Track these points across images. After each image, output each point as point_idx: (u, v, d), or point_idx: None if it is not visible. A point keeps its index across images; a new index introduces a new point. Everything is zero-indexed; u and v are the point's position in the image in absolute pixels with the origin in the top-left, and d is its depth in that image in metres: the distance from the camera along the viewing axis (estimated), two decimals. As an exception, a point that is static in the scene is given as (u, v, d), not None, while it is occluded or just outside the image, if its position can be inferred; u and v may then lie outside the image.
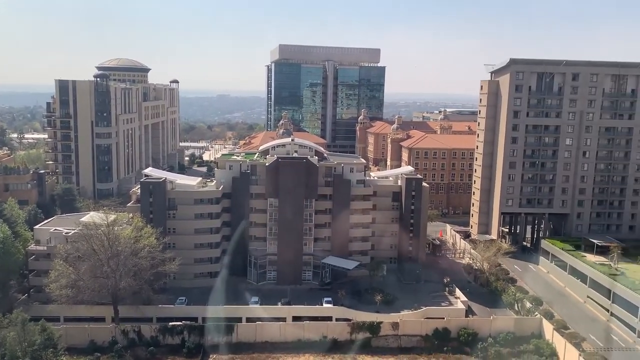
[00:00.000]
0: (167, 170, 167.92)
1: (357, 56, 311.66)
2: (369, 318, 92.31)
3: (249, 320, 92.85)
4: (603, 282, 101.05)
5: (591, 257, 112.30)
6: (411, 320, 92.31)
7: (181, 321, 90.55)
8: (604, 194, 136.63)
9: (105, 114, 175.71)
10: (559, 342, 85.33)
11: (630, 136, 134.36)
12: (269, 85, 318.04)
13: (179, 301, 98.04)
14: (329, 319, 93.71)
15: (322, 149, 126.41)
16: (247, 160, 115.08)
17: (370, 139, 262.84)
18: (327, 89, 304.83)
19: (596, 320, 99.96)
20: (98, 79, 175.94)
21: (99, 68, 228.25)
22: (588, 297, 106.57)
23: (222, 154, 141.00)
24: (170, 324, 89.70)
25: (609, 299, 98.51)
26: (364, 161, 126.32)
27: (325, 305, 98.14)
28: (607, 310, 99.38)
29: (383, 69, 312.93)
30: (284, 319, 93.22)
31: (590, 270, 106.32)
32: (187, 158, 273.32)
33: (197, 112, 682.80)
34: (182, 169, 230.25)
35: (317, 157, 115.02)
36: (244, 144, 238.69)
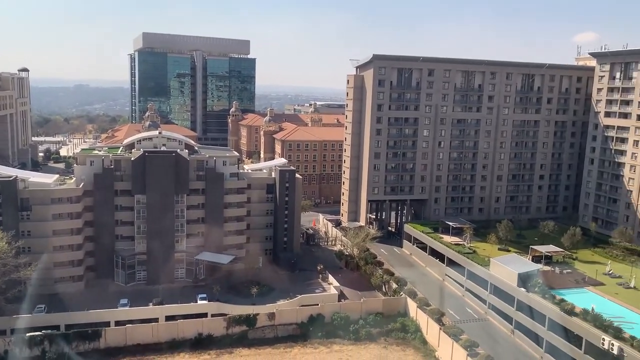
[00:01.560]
0: (19, 168, 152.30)
1: (227, 47, 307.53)
2: (245, 311, 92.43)
3: (118, 323, 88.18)
4: (458, 261, 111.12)
5: (447, 238, 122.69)
6: (287, 309, 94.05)
7: (40, 331, 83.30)
8: (457, 180, 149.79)
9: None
10: (422, 319, 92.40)
11: (478, 127, 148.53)
12: (132, 75, 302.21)
13: (37, 309, 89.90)
14: (205, 315, 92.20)
15: (192, 141, 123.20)
16: (111, 155, 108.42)
17: (243, 132, 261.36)
18: (196, 80, 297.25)
19: (453, 296, 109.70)
20: None
21: None
22: (446, 275, 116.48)
23: (82, 149, 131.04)
24: (28, 334, 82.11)
25: (464, 276, 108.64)
26: (237, 154, 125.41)
27: (200, 302, 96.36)
28: (462, 286, 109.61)
29: (253, 60, 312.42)
30: (156, 320, 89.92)
31: (447, 250, 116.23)
32: (41, 154, 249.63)
33: (51, 103, 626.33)
34: (35, 166, 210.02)
35: (187, 151, 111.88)
36: (107, 137, 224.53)
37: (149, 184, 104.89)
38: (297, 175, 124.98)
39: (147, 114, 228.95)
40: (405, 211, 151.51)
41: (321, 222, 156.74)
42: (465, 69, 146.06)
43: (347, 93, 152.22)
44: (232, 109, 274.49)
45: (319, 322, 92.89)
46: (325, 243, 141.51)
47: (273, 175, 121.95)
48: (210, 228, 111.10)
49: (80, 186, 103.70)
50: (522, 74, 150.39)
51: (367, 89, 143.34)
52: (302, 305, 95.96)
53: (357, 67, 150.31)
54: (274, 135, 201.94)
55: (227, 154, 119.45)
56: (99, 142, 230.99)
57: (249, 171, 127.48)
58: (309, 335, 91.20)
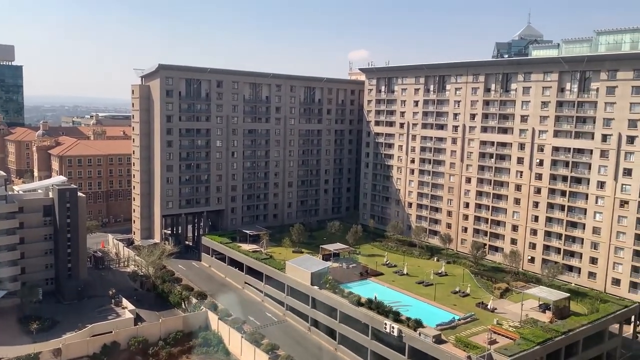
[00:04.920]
0: None
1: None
2: (24, 351, 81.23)
3: None
4: (256, 267, 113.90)
5: (245, 246, 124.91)
6: (75, 342, 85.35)
7: None
8: (252, 188, 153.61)
9: None
10: (224, 330, 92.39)
11: (268, 137, 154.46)
12: None
13: None
14: (-31, 365, 78.74)
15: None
16: None
17: (11, 148, 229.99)
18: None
19: (254, 303, 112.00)
20: None
21: None
22: (246, 283, 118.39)
23: None
24: None
25: (262, 281, 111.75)
26: (4, 173, 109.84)
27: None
28: (262, 292, 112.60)
29: (20, 68, 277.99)
30: None
31: (245, 258, 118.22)
32: None
33: None
34: None
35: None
36: None
37: None
38: (80, 194, 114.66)
39: None
40: (202, 223, 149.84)
41: (111, 243, 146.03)
42: (252, 81, 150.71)
43: (133, 104, 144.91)
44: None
45: (114, 351, 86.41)
46: (117, 265, 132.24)
47: (51, 196, 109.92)
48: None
49: None
50: (305, 86, 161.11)
51: (155, 100, 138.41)
52: (93, 336, 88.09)
53: (142, 77, 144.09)
54: (50, 151, 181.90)
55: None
56: None
57: (21, 192, 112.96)
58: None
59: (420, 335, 77.49)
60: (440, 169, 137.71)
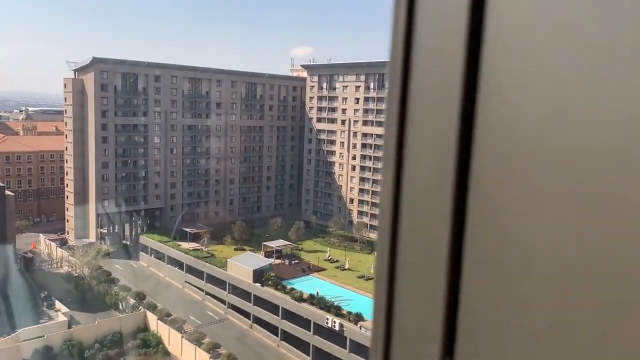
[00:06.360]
0: None
1: None
2: (-54, 361, 76.71)
3: None
4: (197, 266, 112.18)
5: (186, 245, 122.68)
6: (2, 348, 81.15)
7: None
8: (192, 186, 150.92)
9: None
10: (164, 330, 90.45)
11: (208, 133, 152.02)
12: None
13: None
14: None
15: None
16: None
17: None
18: None
19: (194, 302, 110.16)
20: None
21: None
22: (186, 282, 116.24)
23: None
24: None
25: (203, 280, 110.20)
26: None
27: None
28: (203, 291, 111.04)
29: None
30: None
31: (185, 256, 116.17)
32: None
33: None
34: None
35: None
36: None
37: None
38: (8, 192, 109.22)
39: None
40: (140, 222, 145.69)
41: (43, 244, 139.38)
42: (192, 76, 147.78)
43: (66, 98, 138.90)
44: None
45: (46, 356, 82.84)
46: (50, 266, 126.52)
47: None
48: None
49: None
50: (246, 82, 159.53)
51: (89, 94, 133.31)
52: (23, 341, 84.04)
53: (75, 71, 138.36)
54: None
55: None
56: None
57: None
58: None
59: (361, 328, 78.83)
60: (380, 165, 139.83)
